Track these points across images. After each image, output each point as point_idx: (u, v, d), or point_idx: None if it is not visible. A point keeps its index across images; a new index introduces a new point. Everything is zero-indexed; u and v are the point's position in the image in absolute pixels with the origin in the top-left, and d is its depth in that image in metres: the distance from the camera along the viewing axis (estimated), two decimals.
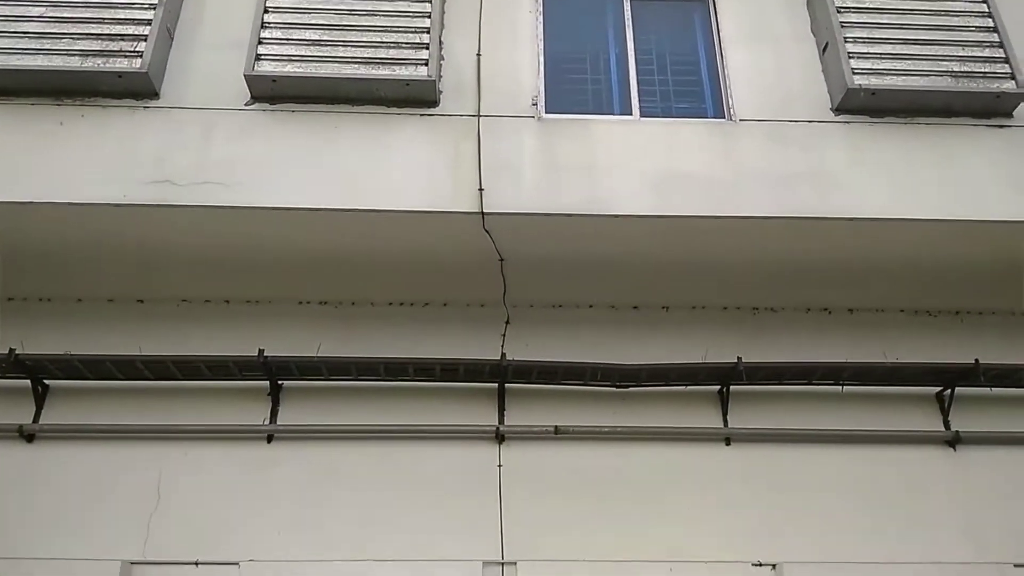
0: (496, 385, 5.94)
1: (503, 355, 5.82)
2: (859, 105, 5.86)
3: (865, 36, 6.02)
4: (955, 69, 5.94)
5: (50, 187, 5.33)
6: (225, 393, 5.87)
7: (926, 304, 6.36)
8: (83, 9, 5.77)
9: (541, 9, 6.35)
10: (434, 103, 5.74)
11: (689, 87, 6.25)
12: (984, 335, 6.25)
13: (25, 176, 5.34)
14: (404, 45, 5.77)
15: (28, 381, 5.75)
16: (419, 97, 5.69)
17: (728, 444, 5.92)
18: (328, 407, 5.89)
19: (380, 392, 5.95)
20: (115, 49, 5.64)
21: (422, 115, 5.69)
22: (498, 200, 5.42)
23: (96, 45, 5.65)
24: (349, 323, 6.15)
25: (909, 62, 5.94)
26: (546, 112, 5.88)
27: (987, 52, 6.02)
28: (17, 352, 5.56)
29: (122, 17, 5.77)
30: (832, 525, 5.64)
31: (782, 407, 6.02)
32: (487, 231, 5.49)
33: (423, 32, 5.81)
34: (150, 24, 5.72)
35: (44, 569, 5.17)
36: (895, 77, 5.88)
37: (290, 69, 5.63)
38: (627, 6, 6.52)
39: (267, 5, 5.85)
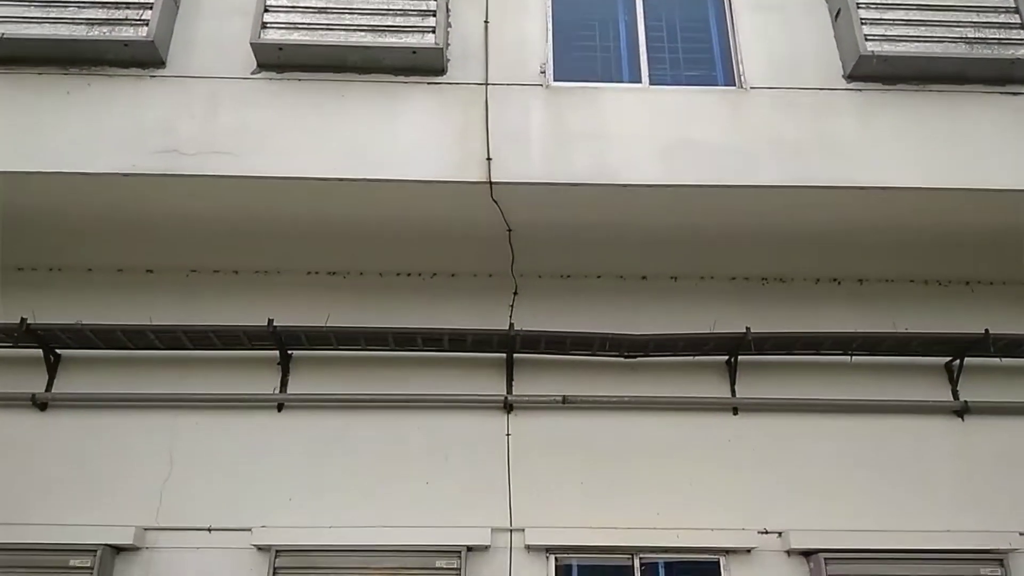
0: (504, 355, 5.96)
1: (511, 325, 5.84)
2: (871, 72, 5.78)
3: (878, 2, 5.92)
4: (969, 35, 5.84)
5: (58, 157, 5.32)
6: (236, 362, 5.92)
7: (936, 274, 6.33)
8: None
9: None
10: (441, 71, 5.69)
11: (699, 54, 6.17)
12: (994, 305, 6.23)
13: (33, 146, 5.34)
14: (411, 12, 5.71)
15: (40, 351, 5.81)
16: (426, 65, 5.64)
17: (736, 414, 5.94)
18: (337, 376, 5.93)
19: (389, 362, 5.99)
20: (121, 17, 5.61)
21: (429, 83, 5.65)
22: (506, 169, 5.39)
23: (102, 13, 5.62)
24: (358, 293, 6.18)
25: (922, 28, 5.85)
26: (554, 80, 5.82)
27: (1002, 18, 5.92)
28: (29, 322, 5.61)
29: None
30: (838, 494, 5.68)
31: (790, 377, 6.04)
32: (495, 201, 5.47)
33: None
34: None
35: (59, 534, 5.24)
36: (908, 43, 5.80)
37: (296, 37, 5.59)
38: None
39: None
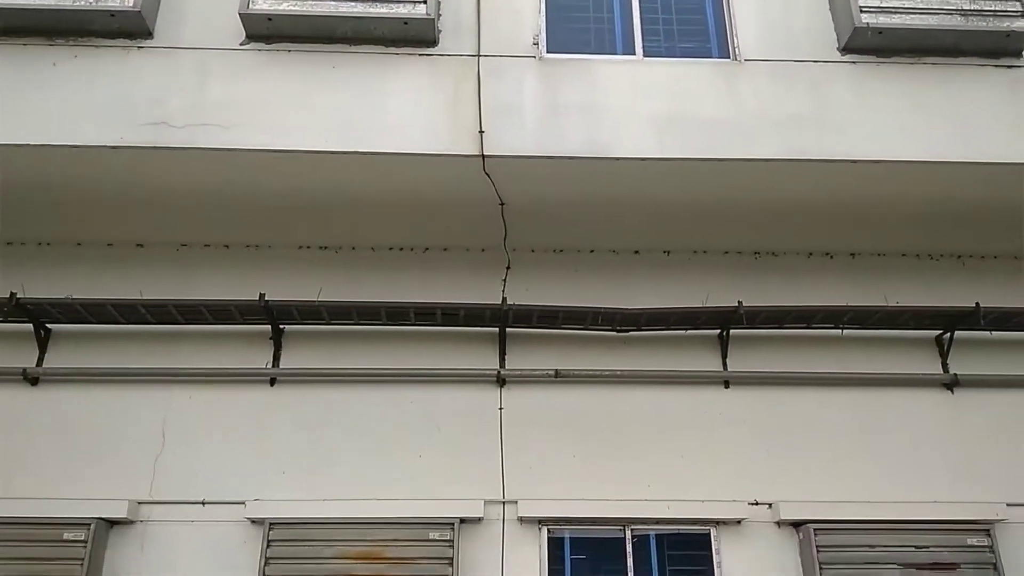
0: (497, 329, 5.97)
1: (504, 299, 5.84)
2: (866, 44, 5.74)
3: None
4: (964, 7, 5.81)
5: (45, 130, 5.25)
6: (228, 337, 5.91)
7: (928, 248, 6.35)
8: None
9: None
10: (433, 42, 5.62)
11: (694, 26, 6.11)
12: (985, 279, 6.26)
13: (19, 118, 5.26)
14: None
15: (30, 325, 5.78)
16: (418, 36, 5.57)
17: (727, 387, 5.97)
18: (330, 351, 5.93)
19: (381, 336, 5.98)
20: None
21: (421, 55, 5.58)
22: (498, 142, 5.35)
23: None
24: (350, 268, 6.16)
25: (918, 0, 5.80)
26: (547, 52, 5.76)
27: None
28: (18, 296, 5.57)
29: None
30: (828, 466, 5.73)
31: (782, 350, 6.07)
32: (487, 174, 5.44)
33: None
34: None
35: (52, 508, 5.25)
36: (903, 15, 5.75)
37: (286, 7, 5.50)
38: None
39: None
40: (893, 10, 5.77)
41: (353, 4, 5.51)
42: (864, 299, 5.99)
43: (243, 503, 5.38)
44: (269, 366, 5.85)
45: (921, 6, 5.79)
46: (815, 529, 5.37)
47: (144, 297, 5.66)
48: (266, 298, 5.63)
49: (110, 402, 5.70)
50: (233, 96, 5.38)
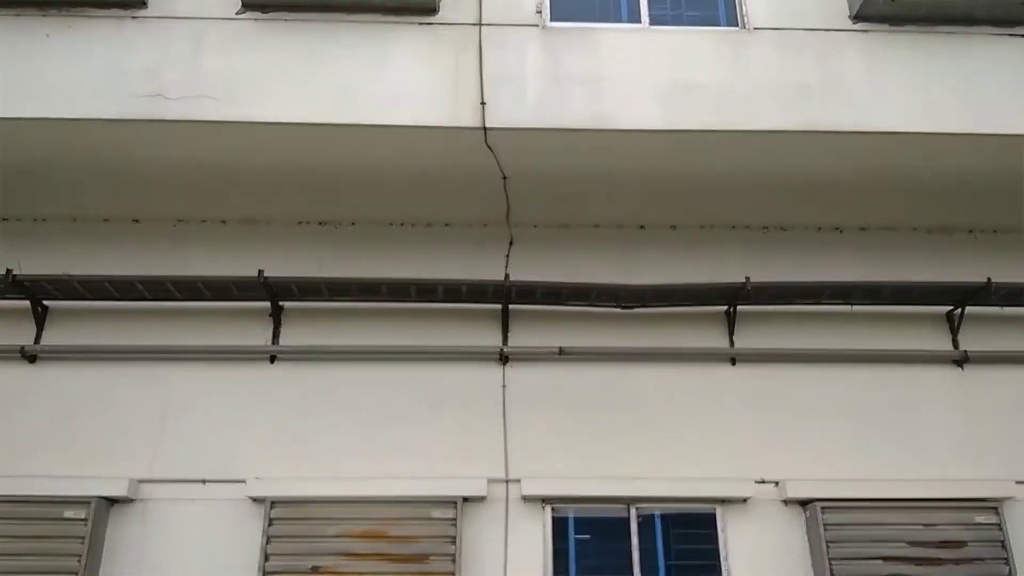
0: (500, 306, 5.88)
1: (507, 276, 5.75)
2: (878, 12, 5.60)
3: None
4: None
5: (39, 102, 5.16)
6: (226, 314, 5.84)
7: (940, 222, 6.24)
8: None
9: None
10: (433, 11, 5.48)
11: None
12: (998, 253, 6.15)
13: (12, 91, 5.17)
14: None
15: (27, 302, 5.71)
16: (417, 4, 5.44)
17: (734, 364, 5.89)
18: (330, 328, 5.86)
19: (383, 313, 5.90)
20: None
21: (421, 24, 5.46)
22: (500, 114, 5.24)
23: None
24: (350, 244, 6.07)
25: None
26: (551, 20, 5.63)
27: None
28: (15, 273, 5.50)
29: None
30: (836, 443, 5.66)
31: (790, 327, 5.97)
32: (489, 147, 5.33)
33: None
34: None
35: (53, 486, 5.20)
36: None
37: None
38: None
39: None
40: None
41: None
42: (874, 274, 5.88)
43: (244, 481, 5.33)
44: (269, 344, 5.78)
45: None
46: (822, 507, 5.31)
47: (141, 273, 5.58)
48: (265, 275, 5.55)
49: (109, 380, 5.65)
50: (229, 67, 5.28)
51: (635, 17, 5.75)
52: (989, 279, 5.71)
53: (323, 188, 5.81)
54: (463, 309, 5.91)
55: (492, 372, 5.79)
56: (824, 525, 5.27)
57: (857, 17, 5.63)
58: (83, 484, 5.23)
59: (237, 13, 5.42)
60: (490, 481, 5.41)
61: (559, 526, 5.43)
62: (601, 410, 5.71)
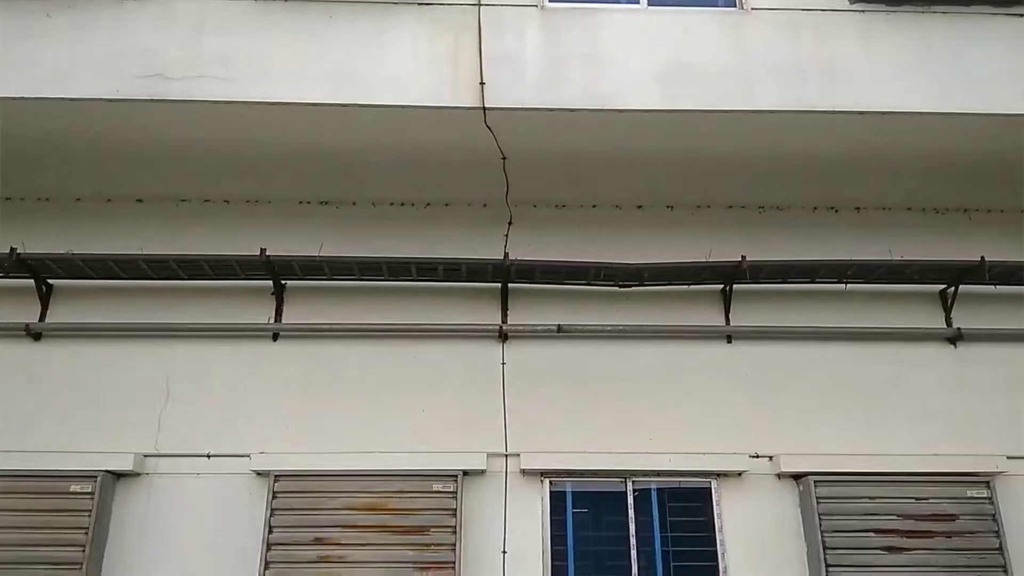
0: (499, 285, 5.95)
1: (506, 255, 5.80)
2: None
3: None
4: None
5: (40, 82, 5.19)
6: (229, 292, 5.91)
7: (934, 202, 6.30)
8: None
9: None
10: None
11: None
12: (991, 233, 6.21)
13: (13, 70, 5.19)
14: None
15: (32, 281, 5.77)
16: None
17: (729, 342, 5.97)
18: (332, 306, 5.93)
19: (383, 292, 5.97)
20: None
21: (420, 4, 5.46)
22: (500, 94, 5.27)
23: None
24: (350, 223, 6.12)
25: None
26: (549, 1, 5.63)
27: None
28: (19, 252, 5.55)
29: None
30: (830, 419, 5.76)
31: (785, 305, 6.05)
32: (488, 127, 5.36)
33: None
34: None
35: (59, 461, 5.29)
36: None
37: None
38: None
39: None
40: None
41: None
42: (869, 253, 5.95)
43: (248, 456, 5.42)
44: (271, 321, 5.86)
45: None
46: (815, 481, 5.41)
47: (144, 252, 5.64)
48: (267, 253, 5.60)
49: (113, 357, 5.72)
50: (228, 48, 5.30)
51: None
52: (983, 258, 5.77)
53: (324, 168, 5.85)
54: (463, 288, 5.97)
55: (491, 349, 5.87)
56: (817, 499, 5.37)
57: None
58: (89, 459, 5.33)
59: None
60: (490, 455, 5.50)
61: (557, 500, 5.53)
62: (599, 386, 5.80)
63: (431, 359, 5.82)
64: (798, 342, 5.94)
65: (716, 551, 5.40)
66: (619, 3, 5.76)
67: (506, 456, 5.56)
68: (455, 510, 5.24)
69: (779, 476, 5.59)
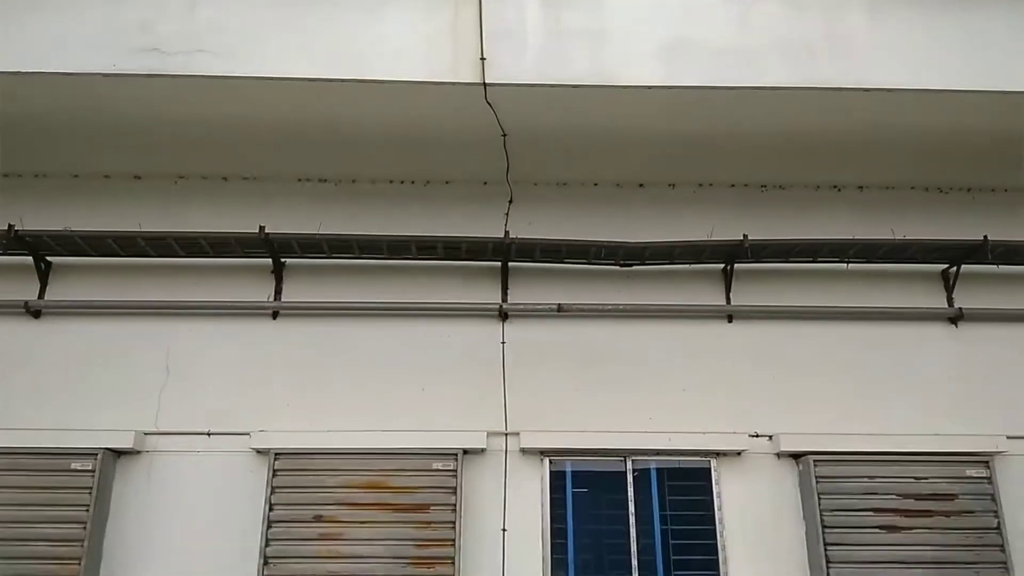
0: (499, 263, 5.92)
1: (506, 233, 5.77)
2: None
3: None
4: None
5: (36, 56, 5.10)
6: (229, 270, 5.88)
7: (938, 181, 6.25)
8: None
9: None
10: None
11: None
12: (995, 212, 6.17)
13: (8, 44, 5.10)
14: None
15: (30, 258, 5.74)
16: None
17: (730, 321, 5.95)
18: (332, 285, 5.91)
19: (383, 271, 5.95)
20: None
21: None
22: (501, 70, 5.18)
23: None
24: (350, 201, 6.09)
25: None
26: None
27: None
28: (17, 228, 5.52)
29: None
30: (830, 398, 5.75)
31: (787, 284, 6.03)
32: (489, 103, 5.30)
33: None
34: None
35: (60, 439, 5.31)
36: None
37: None
38: None
39: None
40: None
41: None
42: (871, 232, 5.91)
43: (248, 434, 5.43)
44: (271, 299, 5.84)
45: None
46: (815, 460, 5.41)
47: (143, 230, 5.60)
48: (266, 231, 5.57)
49: (113, 335, 5.71)
50: (224, 21, 5.20)
51: None
52: (986, 237, 5.74)
53: (323, 145, 5.80)
54: (463, 266, 5.95)
55: (492, 328, 5.85)
56: (816, 478, 5.38)
57: None
58: (90, 436, 5.34)
59: None
60: (490, 434, 5.51)
61: (557, 479, 5.54)
62: (599, 366, 5.79)
63: (431, 337, 5.81)
64: (799, 321, 5.92)
65: (715, 530, 5.42)
66: None
67: (506, 435, 5.56)
68: (455, 488, 5.26)
69: (778, 455, 5.59)
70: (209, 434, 5.49)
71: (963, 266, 5.96)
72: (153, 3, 5.21)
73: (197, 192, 6.05)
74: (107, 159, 5.93)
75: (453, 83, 5.18)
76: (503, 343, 5.81)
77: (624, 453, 5.52)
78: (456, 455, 5.34)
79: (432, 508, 5.23)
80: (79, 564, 5.05)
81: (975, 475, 5.46)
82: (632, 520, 5.41)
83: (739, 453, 5.56)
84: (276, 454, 5.33)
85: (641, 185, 6.22)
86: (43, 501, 5.19)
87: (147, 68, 5.08)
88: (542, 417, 5.61)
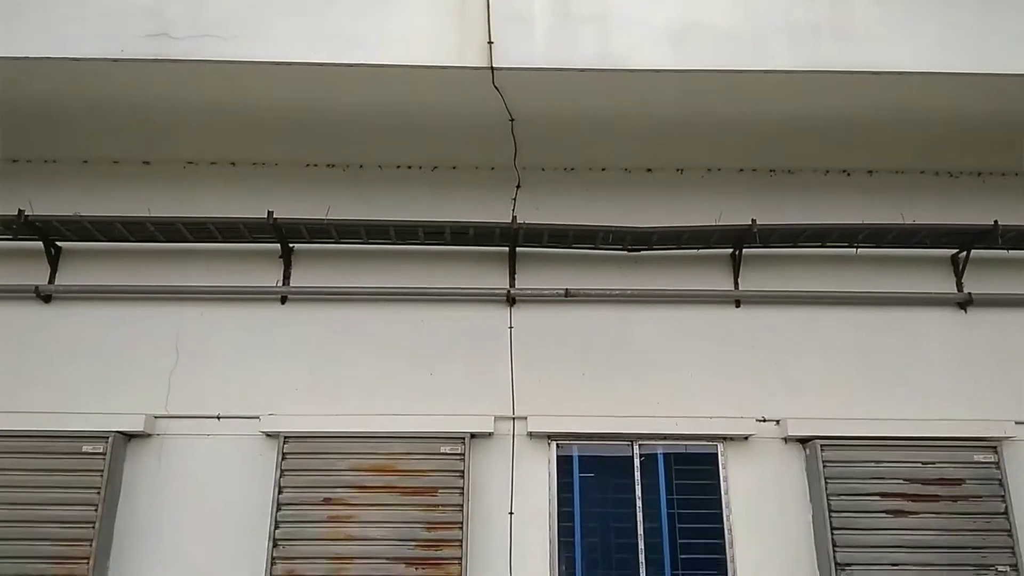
0: (507, 248, 5.93)
1: (514, 218, 5.77)
2: None
3: None
4: None
5: (45, 42, 5.12)
6: (238, 255, 5.91)
7: (947, 165, 6.21)
8: None
9: None
10: None
11: None
12: (1006, 197, 6.13)
13: (17, 30, 5.12)
14: None
15: (40, 243, 5.78)
16: None
17: (738, 306, 5.95)
18: (340, 270, 5.93)
19: (391, 256, 5.96)
20: None
21: None
22: (508, 54, 5.17)
23: None
24: (358, 186, 6.10)
25: None
26: None
27: None
28: (27, 214, 5.55)
29: None
30: (838, 383, 5.75)
31: (795, 269, 6.01)
32: (497, 88, 5.29)
33: None
34: None
35: (71, 422, 5.35)
36: None
37: None
38: None
39: None
40: None
41: None
42: (880, 217, 5.88)
43: (257, 417, 5.46)
44: (279, 284, 5.86)
45: None
46: (822, 445, 5.42)
47: (152, 215, 5.63)
48: (274, 216, 5.59)
49: (123, 319, 5.75)
50: (232, 6, 5.20)
51: None
52: (996, 222, 5.70)
53: (330, 130, 5.80)
54: (470, 251, 5.96)
55: (499, 313, 5.86)
56: (823, 462, 5.39)
57: None
58: (101, 420, 5.38)
59: None
60: (497, 418, 5.53)
61: (564, 464, 5.55)
62: (607, 350, 5.80)
63: (439, 322, 5.83)
64: (807, 306, 5.91)
65: (722, 514, 5.43)
66: None
67: (513, 419, 5.58)
68: (463, 472, 5.29)
69: (785, 440, 5.60)
70: (219, 417, 5.53)
71: (973, 251, 5.93)
72: None
73: (206, 177, 6.07)
74: (116, 144, 5.95)
75: (460, 67, 5.17)
76: (511, 328, 5.83)
77: (631, 438, 5.54)
78: (464, 439, 5.36)
79: (440, 491, 5.26)
80: (90, 546, 5.10)
81: (983, 460, 5.46)
82: (639, 504, 5.43)
83: (746, 438, 5.57)
84: (286, 437, 5.36)
85: (649, 170, 6.20)
86: (54, 484, 5.24)
87: (155, 53, 5.10)
88: (549, 402, 5.63)
